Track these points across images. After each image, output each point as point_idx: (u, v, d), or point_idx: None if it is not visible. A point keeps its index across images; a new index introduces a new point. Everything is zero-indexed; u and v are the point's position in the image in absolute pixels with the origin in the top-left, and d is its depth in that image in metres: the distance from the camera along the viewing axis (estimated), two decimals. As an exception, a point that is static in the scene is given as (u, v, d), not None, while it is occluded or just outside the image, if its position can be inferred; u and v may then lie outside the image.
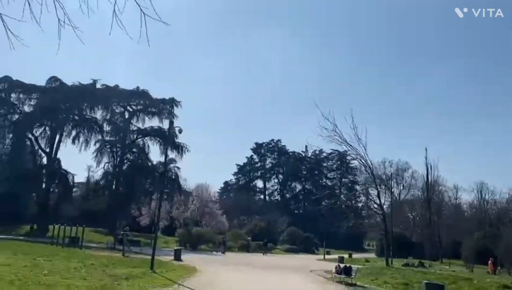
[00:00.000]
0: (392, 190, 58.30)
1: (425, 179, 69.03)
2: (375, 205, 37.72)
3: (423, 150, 73.47)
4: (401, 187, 70.95)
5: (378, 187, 34.09)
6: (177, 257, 27.01)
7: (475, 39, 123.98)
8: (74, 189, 74.59)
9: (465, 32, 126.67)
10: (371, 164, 32.73)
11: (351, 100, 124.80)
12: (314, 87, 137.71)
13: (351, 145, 32.66)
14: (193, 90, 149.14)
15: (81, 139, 57.76)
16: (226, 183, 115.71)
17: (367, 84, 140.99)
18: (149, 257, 26.93)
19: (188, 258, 29.74)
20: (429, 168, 69.99)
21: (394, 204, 62.33)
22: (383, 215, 34.33)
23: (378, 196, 34.20)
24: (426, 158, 70.51)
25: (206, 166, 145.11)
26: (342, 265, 19.91)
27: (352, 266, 19.59)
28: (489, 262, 37.63)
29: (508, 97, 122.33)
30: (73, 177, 60.60)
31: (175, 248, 27.93)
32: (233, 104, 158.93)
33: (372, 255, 63.93)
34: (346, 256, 48.49)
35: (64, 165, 60.83)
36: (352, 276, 18.50)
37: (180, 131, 19.94)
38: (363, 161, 32.28)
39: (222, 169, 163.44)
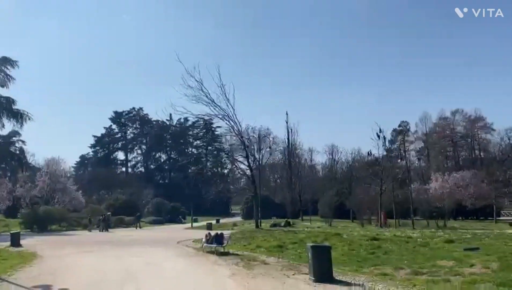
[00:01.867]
0: (256, 155, 59.42)
1: (286, 142, 72.27)
2: (243, 168, 37.33)
3: (283, 116, 77.18)
4: (263, 152, 73.33)
5: (246, 148, 33.34)
6: (15, 242, 22.17)
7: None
8: None
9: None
10: (240, 125, 31.86)
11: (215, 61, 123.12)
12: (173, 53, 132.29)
13: (219, 106, 31.16)
14: (39, 52, 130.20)
15: None
16: (82, 157, 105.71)
17: (232, 46, 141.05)
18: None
19: (32, 242, 24.96)
20: (290, 132, 73.52)
21: (257, 168, 63.95)
22: (252, 177, 33.92)
23: (247, 157, 33.57)
24: (287, 122, 73.91)
25: (58, 139, 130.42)
26: (212, 233, 18.18)
27: (224, 232, 17.97)
28: (381, 214, 40.23)
29: (353, 67, 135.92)
30: None
31: (11, 231, 22.81)
32: (89, 70, 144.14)
33: (238, 219, 65.27)
34: (213, 222, 48.02)
35: None
36: (224, 245, 16.93)
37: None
38: (231, 122, 31.12)
39: (77, 142, 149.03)
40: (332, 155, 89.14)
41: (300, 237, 20.43)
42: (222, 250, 16.81)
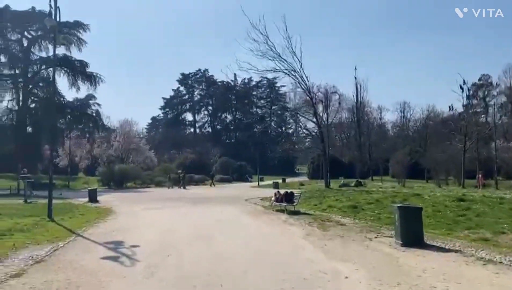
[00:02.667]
0: (322, 113, 57.16)
1: (355, 100, 69.04)
2: (308, 127, 35.92)
3: (350, 73, 73.38)
4: (330, 110, 71.01)
5: (314, 105, 31.79)
6: (92, 198, 23.22)
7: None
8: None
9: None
10: (307, 79, 30.18)
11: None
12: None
13: (285, 60, 29.66)
14: (109, 16, 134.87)
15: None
16: (153, 118, 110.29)
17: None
18: (60, 202, 23.04)
19: (108, 198, 26.14)
20: (359, 88, 69.99)
21: (325, 126, 61.94)
22: (321, 134, 32.47)
23: (315, 114, 32.05)
24: (355, 78, 70.26)
25: (130, 101, 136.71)
26: (282, 192, 17.42)
27: (294, 191, 17.13)
28: (479, 175, 37.15)
29: (426, 18, 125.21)
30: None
31: (89, 188, 23.95)
32: (156, 32, 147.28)
33: (304, 179, 64.63)
34: (280, 181, 47.73)
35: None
36: (295, 203, 16.11)
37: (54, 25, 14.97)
38: (298, 77, 29.54)
39: (148, 104, 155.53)
40: (403, 113, 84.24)
41: (376, 197, 19.03)
42: (292, 209, 16.04)
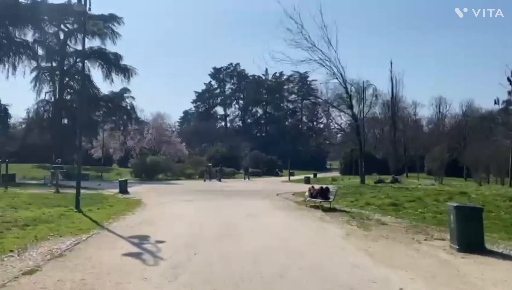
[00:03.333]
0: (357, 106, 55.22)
1: (390, 94, 66.47)
2: (340, 122, 34.43)
3: (384, 67, 70.68)
4: (362, 105, 69.04)
5: (350, 97, 30.37)
6: (123, 189, 22.95)
7: None
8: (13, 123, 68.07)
9: None
10: (343, 70, 28.82)
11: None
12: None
13: (320, 50, 28.45)
14: (143, 10, 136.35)
15: (19, 68, 50.18)
16: (185, 112, 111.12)
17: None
18: (93, 192, 22.95)
19: (139, 189, 25.89)
20: (395, 82, 67.36)
21: (358, 121, 59.81)
22: (357, 128, 31.06)
23: (351, 106, 30.65)
24: (391, 71, 67.49)
25: (163, 95, 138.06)
26: (317, 187, 16.38)
27: (330, 187, 16.00)
28: None
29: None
30: (4, 107, 53.50)
31: (120, 179, 23.70)
32: (186, 25, 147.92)
33: (336, 174, 63.06)
34: (311, 176, 46.52)
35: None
36: (331, 200, 15.07)
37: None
38: (333, 67, 28.26)
39: (181, 97, 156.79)
40: (438, 108, 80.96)
41: (417, 195, 17.70)
42: (328, 206, 15.02)
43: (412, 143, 63.89)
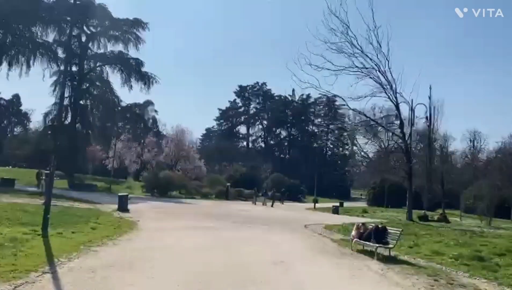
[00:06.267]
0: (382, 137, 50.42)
1: (428, 121, 61.40)
2: (366, 151, 29.83)
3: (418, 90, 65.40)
4: (410, 126, 64.16)
5: (400, 113, 25.88)
6: (122, 206, 19.24)
7: None
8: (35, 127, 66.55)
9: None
10: (394, 81, 24.49)
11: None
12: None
13: (367, 56, 24.38)
14: (170, 25, 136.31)
15: (40, 70, 48.19)
16: (208, 129, 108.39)
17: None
18: (88, 207, 19.55)
19: (143, 207, 22.24)
20: (432, 110, 62.33)
21: (380, 152, 54.59)
22: (407, 152, 26.47)
23: (401, 125, 26.06)
24: (429, 97, 62.38)
25: (186, 109, 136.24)
26: (368, 226, 12.08)
27: (389, 228, 11.54)
28: None
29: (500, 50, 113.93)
30: (25, 112, 51.38)
31: (120, 194, 19.94)
32: (217, 44, 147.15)
33: (363, 205, 58.23)
34: (337, 205, 41.93)
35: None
36: (391, 246, 10.83)
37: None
38: (383, 77, 23.97)
39: (205, 115, 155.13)
40: (473, 142, 75.68)
41: (499, 244, 13.28)
42: (386, 254, 10.81)
43: (448, 177, 58.64)
